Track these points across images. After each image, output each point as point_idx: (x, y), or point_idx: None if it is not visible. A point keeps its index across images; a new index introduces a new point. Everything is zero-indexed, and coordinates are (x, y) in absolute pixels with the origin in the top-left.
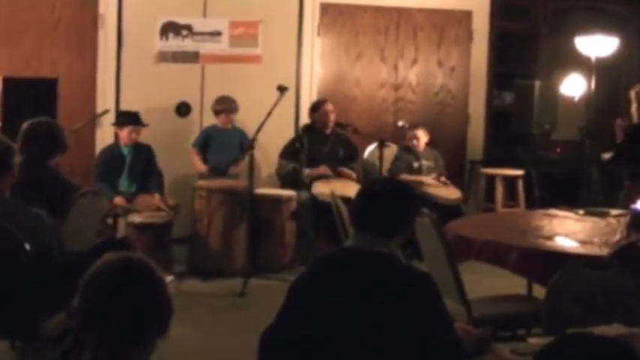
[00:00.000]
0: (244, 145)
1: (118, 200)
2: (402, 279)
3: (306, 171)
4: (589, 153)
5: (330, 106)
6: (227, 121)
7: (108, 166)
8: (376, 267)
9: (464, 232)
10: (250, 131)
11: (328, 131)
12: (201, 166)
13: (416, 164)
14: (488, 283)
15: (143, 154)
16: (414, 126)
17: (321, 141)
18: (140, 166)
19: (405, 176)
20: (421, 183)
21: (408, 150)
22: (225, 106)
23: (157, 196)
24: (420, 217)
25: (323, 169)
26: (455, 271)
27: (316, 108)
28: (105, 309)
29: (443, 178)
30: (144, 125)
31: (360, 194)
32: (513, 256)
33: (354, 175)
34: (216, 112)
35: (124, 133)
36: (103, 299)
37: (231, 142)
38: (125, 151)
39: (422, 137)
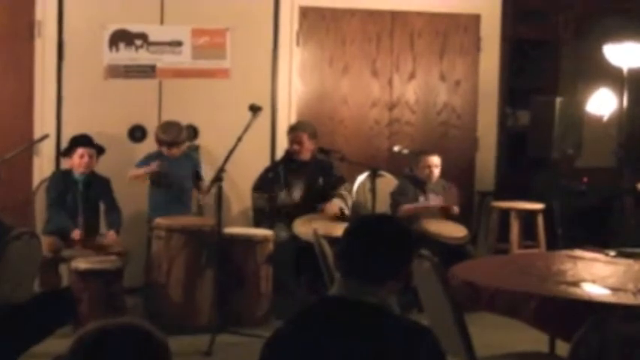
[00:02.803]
0: (197, 174)
1: (76, 233)
2: (396, 335)
3: (283, 195)
4: (625, 182)
5: (298, 135)
6: (171, 153)
7: (60, 191)
8: (364, 321)
9: (472, 277)
10: (217, 160)
11: (304, 159)
12: (145, 169)
13: (421, 199)
14: (501, 337)
15: (99, 187)
16: (427, 151)
17: (299, 169)
18: (91, 201)
19: (408, 206)
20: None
21: (413, 180)
22: (169, 137)
23: (110, 233)
24: (418, 260)
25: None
26: (461, 324)
27: (288, 133)
28: None
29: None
30: (99, 149)
31: (346, 233)
32: (531, 307)
33: (340, 205)
34: (159, 142)
35: (75, 159)
36: None
37: (181, 171)
38: (79, 179)
39: (438, 166)
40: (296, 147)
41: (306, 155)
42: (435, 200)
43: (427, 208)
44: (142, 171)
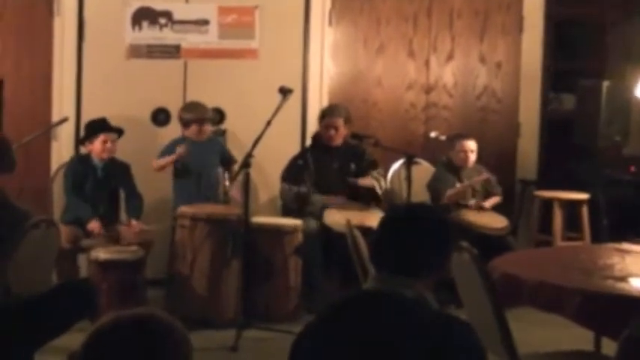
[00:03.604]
0: (226, 160)
1: (94, 226)
2: (434, 330)
3: (317, 197)
4: None
5: (334, 120)
6: (199, 132)
7: (79, 178)
8: (401, 315)
9: (513, 270)
10: (245, 145)
11: (338, 144)
12: (163, 160)
13: (458, 185)
14: (544, 335)
15: (119, 173)
16: (463, 135)
17: (329, 155)
18: (110, 188)
19: (451, 190)
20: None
21: (450, 167)
22: (196, 114)
23: (134, 223)
24: (457, 252)
25: (337, 200)
26: (501, 319)
27: (320, 118)
28: None
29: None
30: (118, 132)
31: (381, 224)
32: (575, 302)
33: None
34: (184, 123)
35: (97, 146)
36: None
37: (206, 157)
38: (98, 165)
39: (474, 151)
40: (332, 132)
41: (339, 141)
42: (477, 177)
43: (471, 185)
44: (167, 160)
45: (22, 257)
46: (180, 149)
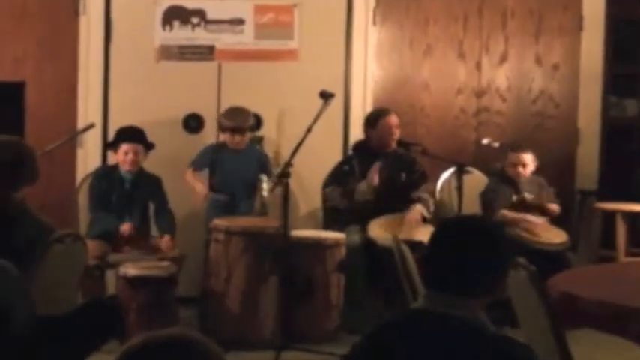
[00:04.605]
0: (265, 170)
1: (126, 228)
2: (492, 353)
3: (361, 185)
4: None
5: (394, 119)
6: (235, 142)
7: (104, 191)
8: (454, 338)
9: (572, 289)
10: (283, 153)
11: (388, 151)
12: (200, 187)
13: (514, 198)
14: (606, 358)
15: (148, 186)
16: (519, 147)
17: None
18: (139, 202)
19: (508, 213)
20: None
21: (503, 178)
22: (234, 123)
23: (167, 239)
24: (513, 270)
25: (375, 168)
26: (561, 342)
27: (375, 121)
28: None
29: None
30: (147, 145)
31: (432, 239)
32: None
33: (423, 210)
34: (222, 129)
35: (119, 156)
36: None
37: (243, 166)
38: (126, 177)
39: (530, 164)
40: (395, 133)
41: (393, 146)
42: (535, 218)
43: (529, 221)
44: (195, 186)
45: (46, 274)
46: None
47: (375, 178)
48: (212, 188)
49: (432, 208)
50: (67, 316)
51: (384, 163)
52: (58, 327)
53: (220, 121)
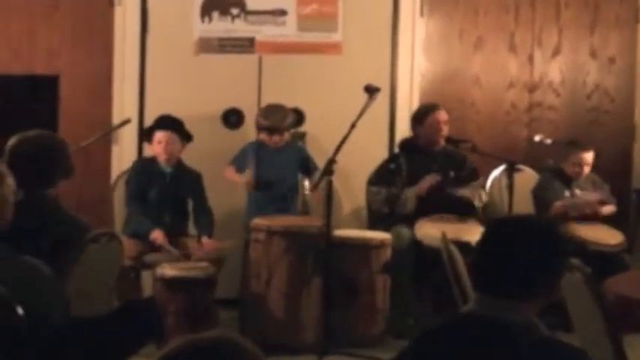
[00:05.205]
0: (307, 167)
1: (157, 235)
2: (545, 358)
3: (408, 192)
4: None
5: (443, 115)
6: (274, 142)
7: (143, 183)
8: (508, 341)
9: (629, 292)
10: (327, 150)
11: (437, 148)
12: (241, 178)
13: (567, 195)
14: None
15: (188, 181)
16: (580, 145)
17: (426, 161)
18: (178, 197)
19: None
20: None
21: (559, 174)
22: (271, 122)
23: (206, 240)
24: (568, 272)
25: (429, 180)
26: (617, 347)
27: (422, 117)
28: None
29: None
30: (184, 136)
31: (483, 239)
32: None
33: (476, 196)
34: (259, 128)
35: (154, 145)
36: None
37: (284, 164)
38: (165, 169)
39: (590, 164)
40: (444, 129)
41: (442, 143)
42: (590, 195)
43: (585, 203)
44: (237, 180)
45: (81, 275)
46: (246, 177)
47: (424, 188)
48: (254, 187)
49: (483, 199)
50: (103, 318)
51: (437, 169)
52: (94, 330)
53: (257, 119)
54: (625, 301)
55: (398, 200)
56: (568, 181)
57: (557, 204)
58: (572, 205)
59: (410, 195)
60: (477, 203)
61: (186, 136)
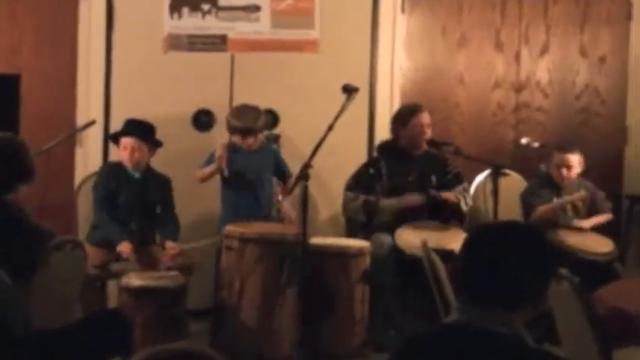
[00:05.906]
0: (281, 172)
1: (124, 248)
2: None
3: (386, 202)
4: None
5: (426, 117)
6: (248, 144)
7: (111, 189)
8: (493, 354)
9: (620, 303)
10: (302, 153)
11: (418, 151)
12: (211, 167)
13: (555, 201)
14: None
15: (158, 187)
16: (564, 147)
17: (406, 165)
18: (147, 202)
19: (542, 207)
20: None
21: (547, 180)
22: (243, 123)
23: (169, 245)
24: (555, 281)
25: (413, 199)
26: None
27: (404, 119)
28: None
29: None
30: (154, 143)
31: (465, 246)
32: None
33: (462, 199)
34: (231, 130)
35: (121, 150)
36: None
37: (259, 168)
38: (134, 174)
39: (576, 166)
40: (426, 131)
41: (424, 146)
42: (575, 195)
43: (571, 202)
44: (210, 170)
45: (44, 284)
46: (219, 151)
47: (403, 205)
48: (225, 184)
49: (469, 202)
50: (67, 329)
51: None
52: (57, 342)
53: (229, 121)
54: (616, 313)
55: (375, 208)
56: (557, 188)
57: (540, 209)
58: (555, 208)
59: (387, 206)
60: (464, 207)
61: (154, 143)
